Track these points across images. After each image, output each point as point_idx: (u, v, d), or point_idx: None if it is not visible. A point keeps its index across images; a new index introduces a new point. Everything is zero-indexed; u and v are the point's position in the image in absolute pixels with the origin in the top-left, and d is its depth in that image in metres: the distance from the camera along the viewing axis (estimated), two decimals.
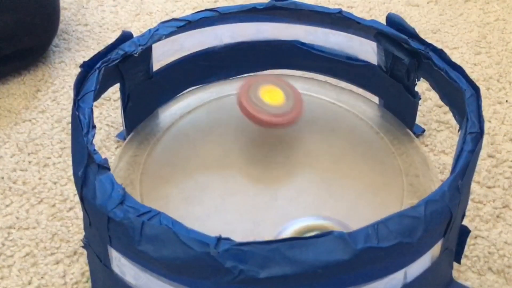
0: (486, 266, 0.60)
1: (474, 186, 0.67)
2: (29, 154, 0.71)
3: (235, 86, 0.74)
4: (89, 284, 0.58)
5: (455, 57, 0.85)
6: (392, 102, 0.70)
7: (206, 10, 0.65)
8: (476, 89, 0.55)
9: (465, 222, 0.59)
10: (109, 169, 0.49)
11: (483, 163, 0.70)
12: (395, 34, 0.63)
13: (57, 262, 0.60)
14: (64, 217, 0.64)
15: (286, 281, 0.43)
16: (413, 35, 0.62)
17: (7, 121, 0.75)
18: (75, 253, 0.61)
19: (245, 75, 0.74)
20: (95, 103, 0.58)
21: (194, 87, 0.73)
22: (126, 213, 0.45)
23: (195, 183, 0.63)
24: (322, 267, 0.43)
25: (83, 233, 0.55)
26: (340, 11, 0.65)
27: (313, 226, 0.56)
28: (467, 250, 0.61)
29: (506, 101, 0.79)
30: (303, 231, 0.56)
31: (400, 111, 0.70)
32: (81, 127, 0.51)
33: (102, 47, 0.61)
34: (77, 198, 0.66)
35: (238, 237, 0.44)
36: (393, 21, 0.64)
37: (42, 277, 0.59)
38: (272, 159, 0.66)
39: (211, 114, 0.71)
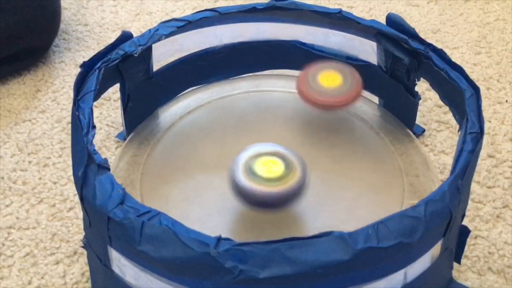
0: (486, 266, 0.60)
1: (474, 186, 0.67)
2: (29, 154, 0.71)
3: (235, 86, 0.74)
4: (89, 284, 0.58)
5: (455, 57, 0.85)
6: (392, 102, 0.70)
7: (206, 10, 0.65)
8: (476, 89, 0.55)
9: (465, 222, 0.59)
10: (109, 169, 0.49)
11: (483, 163, 0.70)
12: (395, 34, 0.63)
13: (57, 262, 0.60)
14: (64, 217, 0.64)
15: (286, 281, 0.43)
16: (413, 35, 0.62)
17: (7, 121, 0.75)
18: (75, 253, 0.61)
19: (246, 74, 0.74)
20: (95, 103, 0.58)
21: (194, 87, 0.73)
22: (126, 213, 0.45)
23: (195, 183, 0.63)
24: (322, 267, 0.43)
25: (83, 233, 0.55)
26: (340, 11, 0.65)
27: (265, 152, 0.58)
28: (467, 250, 0.61)
29: (506, 101, 0.79)
30: (256, 156, 0.58)
31: (400, 111, 0.70)
32: (81, 127, 0.51)
33: (102, 47, 0.61)
34: (77, 198, 0.66)
35: (238, 237, 0.44)
36: (393, 21, 0.64)
37: (42, 277, 0.59)
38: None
39: (211, 114, 0.71)
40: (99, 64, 0.58)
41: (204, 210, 0.60)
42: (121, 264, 0.49)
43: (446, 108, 0.62)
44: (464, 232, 0.55)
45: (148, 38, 0.62)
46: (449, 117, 0.75)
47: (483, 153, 0.70)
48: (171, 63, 0.69)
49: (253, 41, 0.71)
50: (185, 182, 0.63)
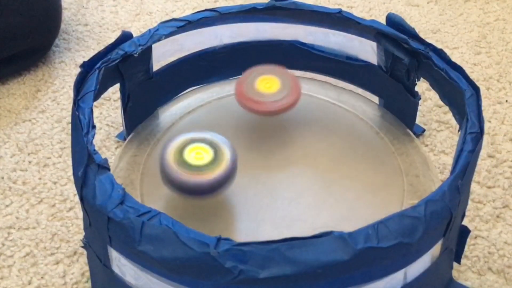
0: (486, 266, 0.60)
1: (474, 186, 0.67)
2: (29, 154, 0.71)
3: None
4: (89, 284, 0.58)
5: (455, 57, 0.85)
6: (392, 102, 0.70)
7: (206, 10, 0.65)
8: (476, 89, 0.55)
9: (465, 222, 0.59)
10: (109, 169, 0.49)
11: (483, 163, 0.70)
12: (395, 34, 0.63)
13: (57, 262, 0.60)
14: (64, 217, 0.64)
15: (286, 281, 0.43)
16: (413, 35, 0.62)
17: (7, 121, 0.75)
18: (75, 253, 0.61)
19: None
20: (95, 103, 0.58)
21: (194, 87, 0.73)
22: (126, 213, 0.45)
23: None
24: (322, 267, 0.43)
25: (83, 233, 0.55)
26: (340, 11, 0.65)
27: (192, 139, 0.59)
28: (467, 250, 0.61)
29: (506, 101, 0.79)
30: (184, 144, 0.59)
31: (400, 111, 0.70)
32: (81, 127, 0.51)
33: (102, 47, 0.61)
34: (77, 198, 0.66)
35: (238, 237, 0.44)
36: (393, 21, 0.64)
37: (42, 277, 0.59)
38: (272, 159, 0.66)
39: (211, 114, 0.71)
40: (99, 64, 0.58)
41: (204, 210, 0.60)
42: (121, 264, 0.49)
43: (446, 108, 0.62)
44: (464, 232, 0.55)
45: (148, 38, 0.62)
46: (449, 117, 0.75)
47: (483, 153, 0.70)
48: (171, 63, 0.69)
49: (253, 41, 0.71)
50: None
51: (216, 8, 0.66)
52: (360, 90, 0.73)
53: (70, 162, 0.69)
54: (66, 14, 0.92)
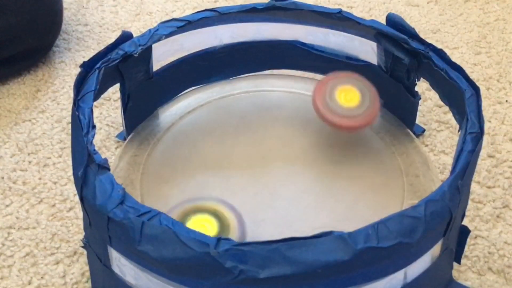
0: (486, 266, 0.60)
1: (474, 186, 0.67)
2: (29, 154, 0.71)
3: (235, 86, 0.74)
4: (89, 284, 0.58)
5: (455, 57, 0.85)
6: (392, 102, 0.70)
7: (206, 10, 0.65)
8: (476, 89, 0.55)
9: (465, 222, 0.59)
10: (109, 169, 0.49)
11: (483, 163, 0.70)
12: (395, 34, 0.63)
13: (57, 262, 0.60)
14: (64, 217, 0.64)
15: (286, 281, 0.43)
16: (413, 35, 0.62)
17: (7, 121, 0.75)
18: (75, 253, 0.61)
19: (246, 74, 0.75)
20: (95, 103, 0.58)
21: (194, 87, 0.73)
22: (126, 213, 0.45)
23: (195, 183, 0.63)
24: (322, 267, 0.43)
25: (83, 233, 0.55)
26: (340, 11, 0.65)
27: (198, 207, 0.56)
28: (467, 250, 0.61)
29: (506, 101, 0.79)
30: (189, 212, 0.55)
31: (400, 111, 0.70)
32: (81, 127, 0.51)
33: (102, 47, 0.61)
34: (77, 198, 0.66)
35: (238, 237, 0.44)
36: (393, 21, 0.64)
37: (42, 277, 0.59)
38: (272, 159, 0.66)
39: (211, 114, 0.71)
40: (99, 64, 0.58)
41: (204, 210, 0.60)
42: (121, 264, 0.49)
43: (446, 108, 0.62)
44: (464, 232, 0.55)
45: (148, 38, 0.62)
46: (449, 117, 0.75)
47: (483, 153, 0.70)
48: (171, 63, 0.69)
49: (253, 41, 0.71)
50: (185, 182, 0.63)
51: (216, 8, 0.66)
52: None
53: (70, 162, 0.69)
54: (66, 14, 0.92)
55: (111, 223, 0.46)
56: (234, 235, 0.54)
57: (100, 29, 0.91)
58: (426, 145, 0.72)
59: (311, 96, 0.73)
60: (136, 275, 0.48)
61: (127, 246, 0.46)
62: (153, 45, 0.64)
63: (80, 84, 0.56)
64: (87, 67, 0.57)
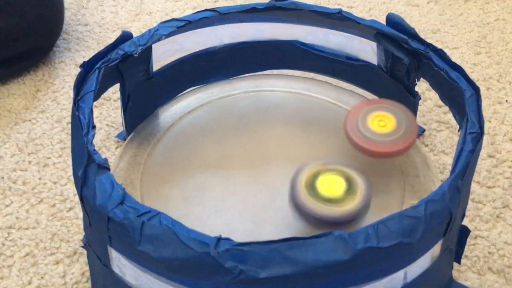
0: (486, 266, 0.60)
1: (474, 186, 0.67)
2: (29, 154, 0.71)
3: (235, 86, 0.74)
4: (89, 284, 0.58)
5: (455, 57, 0.85)
6: None
7: (206, 10, 0.65)
8: (476, 89, 0.55)
9: (465, 222, 0.59)
10: (109, 169, 0.49)
11: (483, 163, 0.70)
12: (395, 34, 0.63)
13: (57, 262, 0.60)
14: (64, 217, 0.64)
15: (286, 281, 0.43)
16: (413, 35, 0.62)
17: (7, 121, 0.75)
18: (75, 253, 0.61)
19: (246, 74, 0.75)
20: (95, 103, 0.58)
21: (194, 87, 0.73)
22: (126, 213, 0.45)
23: (195, 183, 0.63)
24: (322, 267, 0.43)
25: (83, 233, 0.55)
26: (340, 11, 0.65)
27: (328, 168, 0.57)
28: (467, 250, 0.61)
29: (506, 101, 0.79)
30: (315, 173, 0.56)
31: None
32: (81, 127, 0.51)
33: (102, 47, 0.61)
34: (77, 198, 0.66)
35: (238, 237, 0.44)
36: (393, 21, 0.64)
37: (42, 277, 0.59)
38: (272, 159, 0.66)
39: (211, 114, 0.71)
40: (99, 64, 0.58)
41: (204, 210, 0.60)
42: (121, 264, 0.49)
43: (446, 108, 0.62)
44: (464, 232, 0.55)
45: (148, 38, 0.62)
46: (449, 117, 0.75)
47: (483, 153, 0.70)
48: (171, 63, 0.69)
49: (253, 41, 0.71)
50: (185, 182, 0.63)
51: (216, 8, 0.66)
52: (360, 90, 0.73)
53: (70, 162, 0.69)
54: (66, 14, 0.92)
55: (111, 223, 0.46)
56: (360, 197, 0.55)
57: (100, 29, 0.91)
58: (426, 145, 0.72)
59: (308, 96, 0.73)
60: (136, 275, 0.48)
61: (127, 246, 0.46)
62: (153, 45, 0.64)
63: (80, 84, 0.56)
64: (87, 67, 0.57)
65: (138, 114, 0.69)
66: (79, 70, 0.57)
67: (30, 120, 0.75)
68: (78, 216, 0.64)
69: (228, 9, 0.66)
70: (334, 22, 0.67)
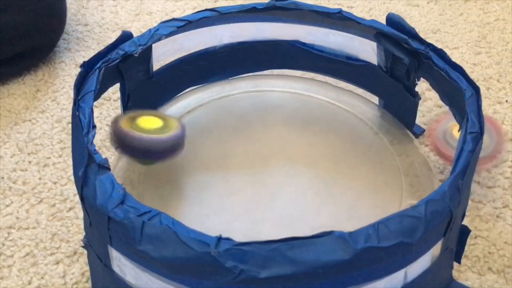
0: (486, 266, 0.60)
1: (474, 186, 0.67)
2: (29, 154, 0.71)
3: (235, 86, 0.74)
4: (89, 284, 0.58)
5: (455, 57, 0.85)
6: (392, 102, 0.70)
7: (206, 10, 0.65)
8: (476, 89, 0.55)
9: (465, 222, 0.59)
10: (109, 169, 0.49)
11: None
12: (395, 34, 0.63)
13: (57, 262, 0.60)
14: (64, 217, 0.64)
15: (286, 281, 0.43)
16: (413, 35, 0.62)
17: (7, 121, 0.75)
18: (75, 253, 0.61)
19: (246, 74, 0.75)
20: (95, 103, 0.58)
21: (194, 87, 0.73)
22: (126, 213, 0.45)
23: (195, 183, 0.63)
24: (322, 267, 0.43)
25: (83, 233, 0.55)
26: (340, 11, 0.65)
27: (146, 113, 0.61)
28: (467, 250, 0.61)
29: (506, 101, 0.79)
30: (134, 117, 0.60)
31: (400, 111, 0.70)
32: (82, 127, 0.51)
33: (102, 47, 0.61)
34: (77, 198, 0.66)
35: (237, 237, 0.44)
36: (393, 21, 0.64)
37: (42, 277, 0.59)
38: (272, 159, 0.66)
39: (211, 114, 0.71)
40: (99, 64, 0.58)
41: (204, 210, 0.60)
42: (121, 264, 0.49)
43: (446, 108, 0.62)
44: (464, 232, 0.55)
45: (148, 38, 0.62)
46: None
47: None
48: (171, 63, 0.69)
49: (253, 41, 0.71)
50: (185, 182, 0.63)
51: (216, 8, 0.66)
52: (360, 90, 0.73)
53: (70, 162, 0.69)
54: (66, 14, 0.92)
55: (112, 223, 0.46)
56: (175, 130, 0.60)
57: (100, 29, 0.91)
58: (426, 145, 0.72)
59: (308, 96, 0.73)
60: (137, 275, 0.48)
61: (127, 246, 0.46)
62: (153, 45, 0.64)
63: (80, 84, 0.56)
64: (87, 67, 0.57)
65: None
66: (79, 70, 0.57)
67: (30, 120, 0.75)
68: (78, 216, 0.64)
69: (228, 9, 0.66)
70: (334, 22, 0.67)
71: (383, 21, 0.65)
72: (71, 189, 0.67)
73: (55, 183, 0.68)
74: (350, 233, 0.44)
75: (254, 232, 0.58)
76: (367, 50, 0.68)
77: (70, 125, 0.71)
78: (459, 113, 0.57)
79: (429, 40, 0.62)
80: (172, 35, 0.64)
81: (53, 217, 0.64)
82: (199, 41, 0.69)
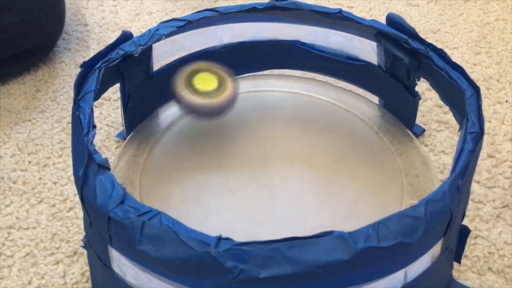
0: (486, 266, 0.60)
1: (474, 186, 0.67)
2: (29, 154, 0.71)
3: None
4: (89, 284, 0.58)
5: (455, 57, 0.85)
6: (392, 102, 0.70)
7: (206, 10, 0.65)
8: (476, 89, 0.55)
9: (465, 222, 0.59)
10: (109, 169, 0.49)
11: (483, 163, 0.70)
12: (395, 34, 0.63)
13: (57, 262, 0.60)
14: (64, 217, 0.64)
15: (286, 281, 0.43)
16: (413, 35, 0.62)
17: (7, 121, 0.75)
18: (75, 253, 0.61)
19: (246, 74, 0.75)
20: (94, 103, 0.58)
21: None
22: (126, 213, 0.45)
23: (195, 183, 0.63)
24: (322, 267, 0.43)
25: (83, 233, 0.55)
26: (340, 11, 0.65)
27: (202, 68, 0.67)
28: (467, 250, 0.61)
29: (506, 101, 0.79)
30: (194, 71, 0.66)
31: (400, 111, 0.70)
32: (82, 127, 0.51)
33: (102, 47, 0.61)
34: (77, 198, 0.66)
35: (237, 237, 0.44)
36: (393, 21, 0.64)
37: (42, 277, 0.59)
38: (272, 159, 0.66)
39: None
40: (99, 64, 0.58)
41: (204, 210, 0.60)
42: (121, 264, 0.49)
43: (446, 108, 0.62)
44: (464, 232, 0.55)
45: (148, 38, 0.62)
46: (449, 117, 0.75)
47: (483, 153, 0.70)
48: (171, 63, 0.69)
49: (253, 41, 0.71)
50: (185, 182, 0.63)
51: (216, 8, 0.66)
52: (360, 90, 0.73)
53: (70, 162, 0.69)
54: (66, 14, 0.92)
55: (112, 223, 0.46)
56: (228, 93, 0.66)
57: (100, 29, 0.91)
58: (426, 145, 0.72)
59: (308, 96, 0.73)
60: (137, 275, 0.48)
61: (127, 246, 0.46)
62: (153, 45, 0.64)
63: (80, 84, 0.56)
64: (87, 67, 0.57)
65: (138, 114, 0.69)
66: (79, 70, 0.57)
67: (30, 120, 0.75)
68: (78, 216, 0.64)
69: (228, 9, 0.66)
70: (334, 22, 0.67)
71: (383, 21, 0.65)
72: (71, 189, 0.67)
73: (55, 183, 0.68)
74: (350, 233, 0.44)
75: (254, 232, 0.58)
76: (367, 50, 0.68)
77: (70, 125, 0.71)
78: (459, 113, 0.57)
79: (429, 40, 0.62)
80: (172, 35, 0.64)
81: (53, 217, 0.64)
82: (199, 41, 0.69)
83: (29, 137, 0.73)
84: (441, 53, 0.60)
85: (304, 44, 0.71)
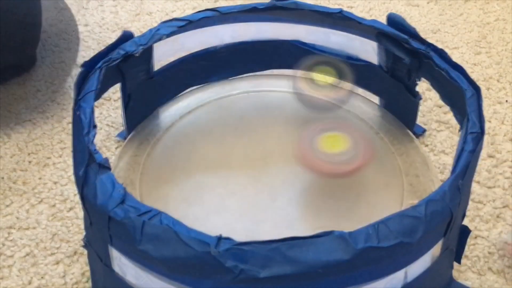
0: (486, 266, 0.60)
1: (474, 186, 0.67)
2: (29, 154, 0.71)
3: (235, 86, 0.74)
4: (89, 284, 0.58)
5: (455, 57, 0.85)
6: (393, 102, 0.70)
7: (206, 10, 0.65)
8: (476, 89, 0.55)
9: (465, 222, 0.59)
10: (109, 168, 0.49)
11: (483, 163, 0.70)
12: (395, 34, 0.63)
13: (57, 262, 0.60)
14: (64, 217, 0.64)
15: (286, 281, 0.43)
16: (413, 35, 0.62)
17: (7, 121, 0.75)
18: (75, 253, 0.61)
19: (246, 74, 0.75)
20: (95, 103, 0.58)
21: (194, 87, 0.73)
22: (127, 212, 0.45)
23: (195, 183, 0.63)
24: (323, 267, 0.43)
25: (83, 233, 0.55)
26: (340, 11, 0.65)
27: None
28: (467, 250, 0.61)
29: (506, 101, 0.79)
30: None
31: (401, 111, 0.70)
32: (82, 127, 0.51)
33: (102, 47, 0.61)
34: (77, 198, 0.66)
35: (238, 237, 0.44)
36: (394, 20, 0.64)
37: (42, 277, 0.59)
38: (272, 159, 0.66)
39: (211, 114, 0.71)
40: (100, 63, 0.58)
41: (204, 210, 0.60)
42: (121, 264, 0.49)
43: (446, 108, 0.62)
44: (465, 232, 0.55)
45: (149, 38, 0.62)
46: (449, 117, 0.75)
47: (483, 153, 0.70)
48: (171, 63, 0.69)
49: (254, 41, 0.71)
50: (185, 182, 0.63)
51: (216, 8, 0.66)
52: (360, 90, 0.73)
53: (70, 162, 0.69)
54: (66, 14, 0.92)
55: (112, 222, 0.46)
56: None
57: (100, 29, 0.91)
58: (426, 145, 0.72)
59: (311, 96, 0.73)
60: (137, 275, 0.48)
61: (127, 246, 0.46)
62: (154, 45, 0.64)
63: (81, 83, 0.56)
64: (88, 66, 0.57)
65: (139, 114, 0.69)
66: (79, 70, 0.57)
67: (30, 120, 0.75)
68: (78, 216, 0.64)
69: (229, 9, 0.66)
70: (335, 22, 0.67)
71: (383, 21, 0.65)
72: (71, 189, 0.67)
73: (55, 183, 0.68)
74: (350, 233, 0.44)
75: (254, 232, 0.58)
76: (367, 50, 0.68)
77: (70, 125, 0.71)
78: (460, 113, 0.57)
79: (429, 40, 0.62)
80: (173, 35, 0.64)
81: (53, 217, 0.64)
82: (200, 41, 0.69)
83: (29, 137, 0.73)
84: (441, 53, 0.60)
85: (304, 44, 0.71)
